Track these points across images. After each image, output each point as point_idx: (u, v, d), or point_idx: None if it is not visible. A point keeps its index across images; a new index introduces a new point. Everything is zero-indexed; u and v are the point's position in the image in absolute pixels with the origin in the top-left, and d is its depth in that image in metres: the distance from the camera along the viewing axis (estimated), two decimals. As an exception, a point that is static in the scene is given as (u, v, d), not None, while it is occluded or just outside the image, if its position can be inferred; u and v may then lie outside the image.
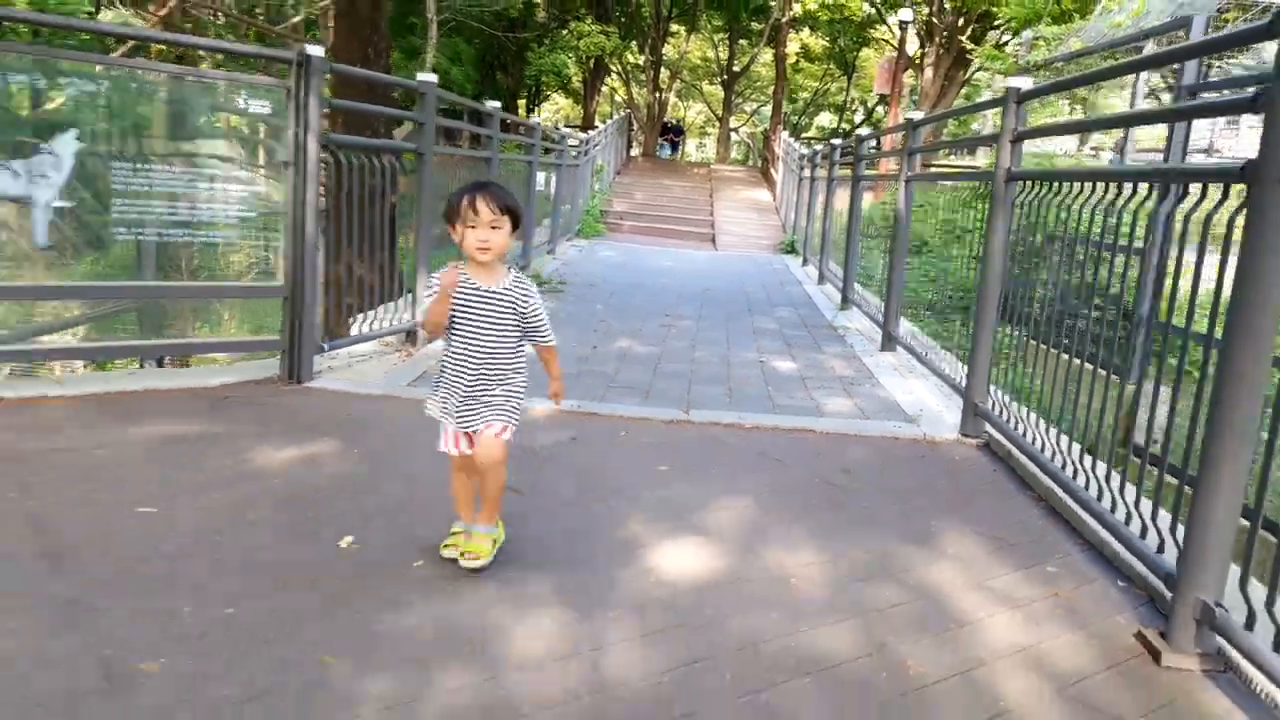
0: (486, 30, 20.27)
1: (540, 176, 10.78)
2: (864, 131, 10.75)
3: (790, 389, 5.27)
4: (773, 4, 27.78)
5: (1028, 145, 4.31)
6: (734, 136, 36.92)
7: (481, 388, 2.48)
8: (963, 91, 21.84)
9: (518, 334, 2.51)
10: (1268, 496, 2.26)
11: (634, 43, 29.14)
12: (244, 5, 14.62)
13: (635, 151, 30.58)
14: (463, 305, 2.45)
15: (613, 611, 2.39)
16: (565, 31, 23.91)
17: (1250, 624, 2.18)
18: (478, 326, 2.46)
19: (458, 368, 2.48)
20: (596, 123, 25.20)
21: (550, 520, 2.98)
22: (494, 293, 2.46)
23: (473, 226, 2.38)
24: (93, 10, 12.88)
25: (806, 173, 13.58)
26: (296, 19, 14.82)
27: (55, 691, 1.89)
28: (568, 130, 16.99)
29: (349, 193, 4.74)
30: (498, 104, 7.91)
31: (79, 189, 3.97)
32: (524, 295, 2.49)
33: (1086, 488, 3.09)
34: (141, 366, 5.86)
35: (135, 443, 3.41)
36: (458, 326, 2.47)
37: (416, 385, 4.68)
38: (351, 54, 7.29)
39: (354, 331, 5.18)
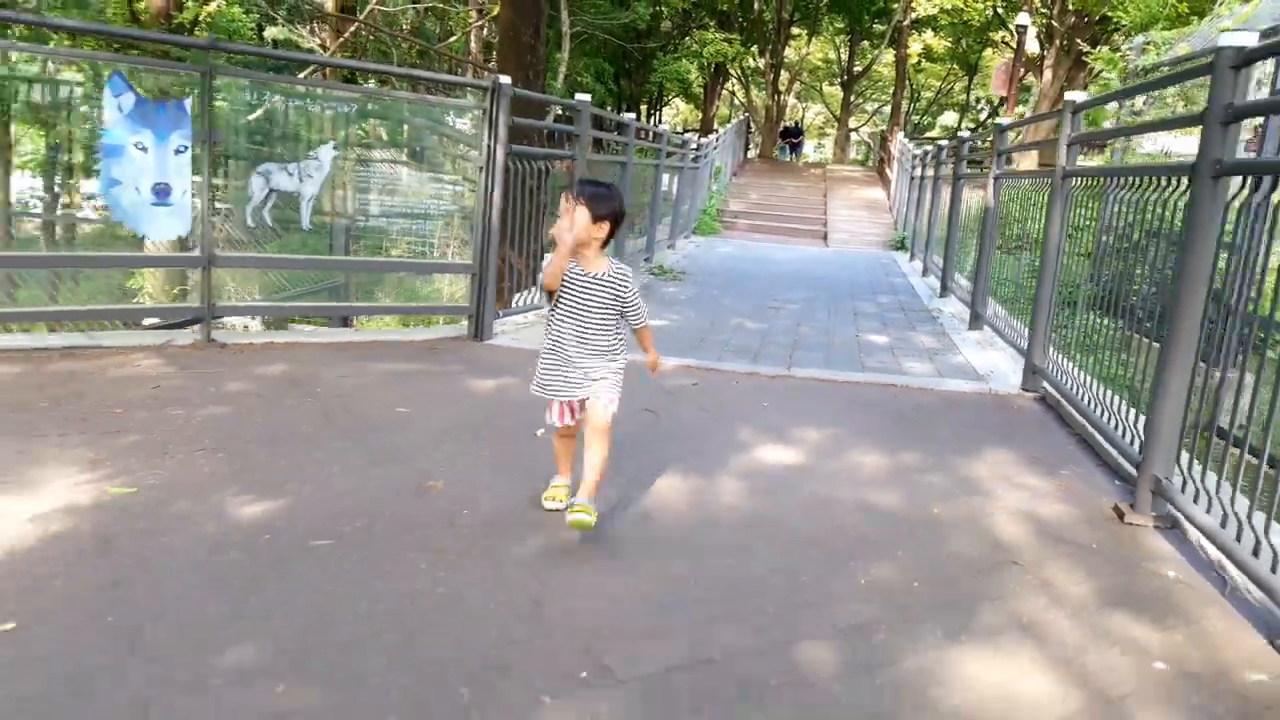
0: (615, 41, 21.58)
1: (664, 178, 11.91)
2: (964, 134, 11.43)
3: (880, 356, 6.18)
4: (895, 6, 28.17)
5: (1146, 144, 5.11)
6: (854, 137, 37.29)
7: (586, 363, 2.81)
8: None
9: (616, 315, 2.84)
10: (1210, 405, 3.09)
11: (754, 47, 30.02)
12: (414, 27, 16.39)
13: (752, 153, 31.46)
14: (569, 288, 2.78)
15: (724, 476, 3.43)
16: (689, 39, 25.06)
17: (1193, 495, 3.03)
18: (582, 307, 2.79)
19: (563, 345, 2.81)
20: (715, 126, 26.23)
21: (679, 428, 4.05)
22: (597, 279, 2.79)
23: (564, 215, 2.77)
24: (255, 28, 14.75)
25: (918, 171, 14.27)
26: (451, 39, 16.48)
27: (384, 496, 3.07)
28: (688, 135, 18.10)
29: (516, 193, 5.95)
30: (632, 115, 9.06)
31: (328, 186, 5.31)
32: (623, 281, 2.82)
33: (1104, 419, 3.94)
34: (326, 325, 7.24)
35: (377, 374, 4.67)
36: (563, 306, 2.80)
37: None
38: (513, 75, 8.56)
39: (515, 304, 6.41)
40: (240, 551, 2.56)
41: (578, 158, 6.62)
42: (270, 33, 16.40)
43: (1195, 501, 2.97)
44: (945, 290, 9.25)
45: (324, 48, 14.94)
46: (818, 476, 3.51)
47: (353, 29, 12.85)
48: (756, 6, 28.71)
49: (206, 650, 2.07)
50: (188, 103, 4.72)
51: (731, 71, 31.48)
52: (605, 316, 2.79)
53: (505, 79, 5.38)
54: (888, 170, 22.95)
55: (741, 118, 30.46)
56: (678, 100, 37.58)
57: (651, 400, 4.25)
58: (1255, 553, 2.52)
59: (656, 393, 4.57)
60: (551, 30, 19.85)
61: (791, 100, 39.36)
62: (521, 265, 6.68)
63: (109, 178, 4.61)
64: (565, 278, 2.76)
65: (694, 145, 15.22)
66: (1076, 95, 4.99)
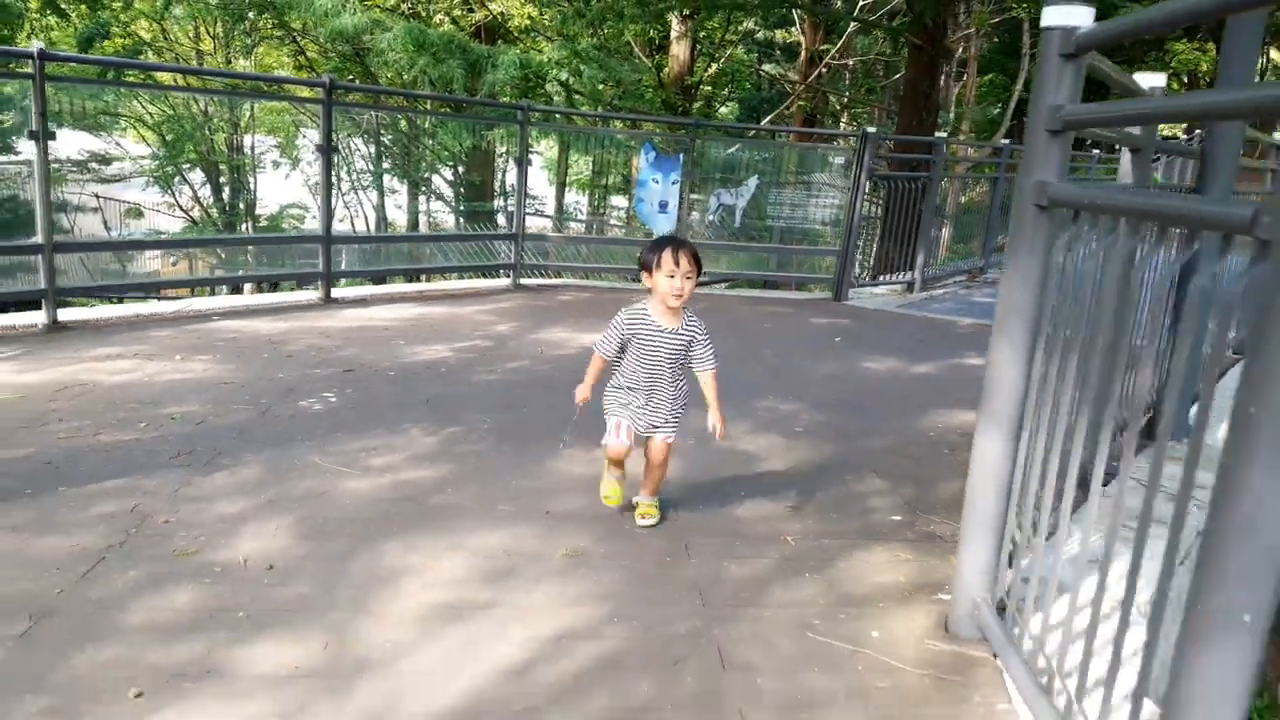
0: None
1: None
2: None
3: None
4: None
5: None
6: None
7: (656, 403, 2.96)
8: None
9: (685, 362, 2.98)
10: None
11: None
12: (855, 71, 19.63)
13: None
14: (646, 342, 2.90)
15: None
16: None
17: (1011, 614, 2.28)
18: (657, 359, 2.91)
19: (638, 386, 2.95)
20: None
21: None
22: (675, 333, 2.90)
23: (671, 276, 2.80)
24: (753, 66, 19.12)
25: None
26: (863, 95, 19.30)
27: (743, 356, 6.22)
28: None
29: (891, 204, 8.74)
30: (1005, 140, 11.14)
31: (755, 204, 8.67)
32: (700, 332, 2.95)
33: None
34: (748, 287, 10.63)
35: (763, 315, 7.86)
36: (640, 356, 2.92)
37: (901, 309, 8.47)
38: (909, 120, 11.26)
39: (868, 280, 9.22)
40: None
41: (933, 177, 9.17)
42: (767, 68, 20.93)
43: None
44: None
45: (793, 85, 18.66)
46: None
47: (814, 74, 16.35)
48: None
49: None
50: (680, 156, 8.40)
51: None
52: (678, 365, 2.96)
53: (871, 129, 8.25)
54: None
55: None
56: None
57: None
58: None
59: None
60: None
61: None
62: (898, 253, 9.43)
63: (639, 198, 8.47)
64: (643, 329, 2.91)
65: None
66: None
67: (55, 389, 4.17)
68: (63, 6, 15.58)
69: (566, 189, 16.11)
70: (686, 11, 13.40)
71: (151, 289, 8.76)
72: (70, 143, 10.89)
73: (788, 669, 2.27)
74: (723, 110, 20.82)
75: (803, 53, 19.54)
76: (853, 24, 14.78)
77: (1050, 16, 2.13)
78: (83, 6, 15.83)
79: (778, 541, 3.02)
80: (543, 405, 4.34)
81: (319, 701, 2.04)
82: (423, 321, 6.30)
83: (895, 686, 2.23)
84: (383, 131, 10.73)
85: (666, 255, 2.79)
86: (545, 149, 19.16)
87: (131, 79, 12.57)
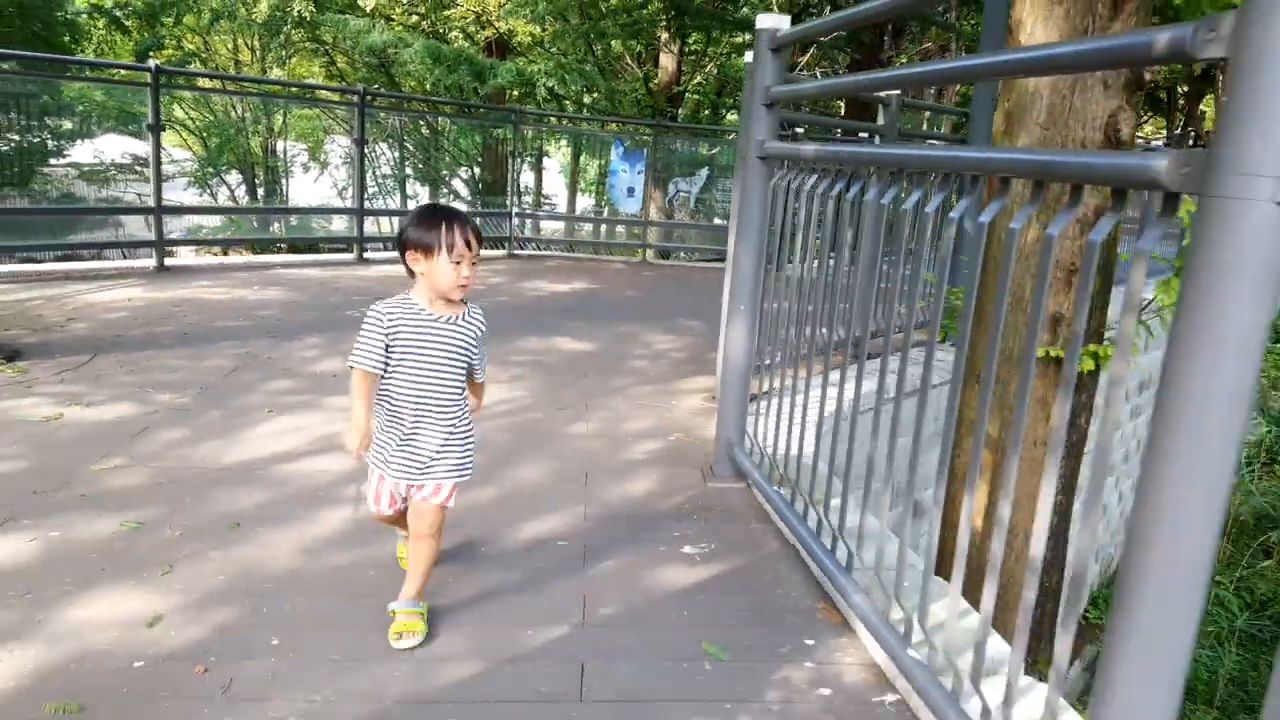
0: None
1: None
2: None
3: None
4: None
5: None
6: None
7: (420, 440, 2.16)
8: None
9: (465, 371, 2.20)
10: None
11: None
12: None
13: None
14: (416, 339, 2.11)
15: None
16: None
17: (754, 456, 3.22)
18: (433, 361, 2.12)
19: (396, 413, 2.14)
20: None
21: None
22: (456, 323, 2.16)
23: (458, 262, 2.08)
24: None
25: None
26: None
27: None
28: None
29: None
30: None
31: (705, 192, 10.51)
32: (482, 326, 2.23)
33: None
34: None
35: (714, 279, 9.69)
36: (405, 363, 2.11)
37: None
38: (852, 116, 13.11)
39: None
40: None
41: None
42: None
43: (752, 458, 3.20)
44: None
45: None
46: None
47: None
48: None
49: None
50: (645, 150, 10.27)
51: None
52: (455, 372, 2.18)
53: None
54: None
55: None
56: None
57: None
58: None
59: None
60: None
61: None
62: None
63: (611, 184, 10.36)
64: (408, 320, 2.12)
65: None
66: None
67: (177, 301, 6.08)
68: (125, 24, 17.66)
69: (580, 193, 18.02)
70: (667, 31, 15.26)
71: (228, 244, 10.90)
72: (117, 145, 12.79)
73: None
74: (731, 116, 22.60)
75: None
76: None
77: (762, 21, 3.09)
78: (140, 21, 17.91)
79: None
80: (515, 321, 6.22)
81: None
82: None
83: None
84: (405, 137, 12.65)
85: (448, 234, 2.07)
86: (559, 154, 21.06)
87: (204, 85, 14.62)
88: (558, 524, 3.00)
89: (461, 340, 2.17)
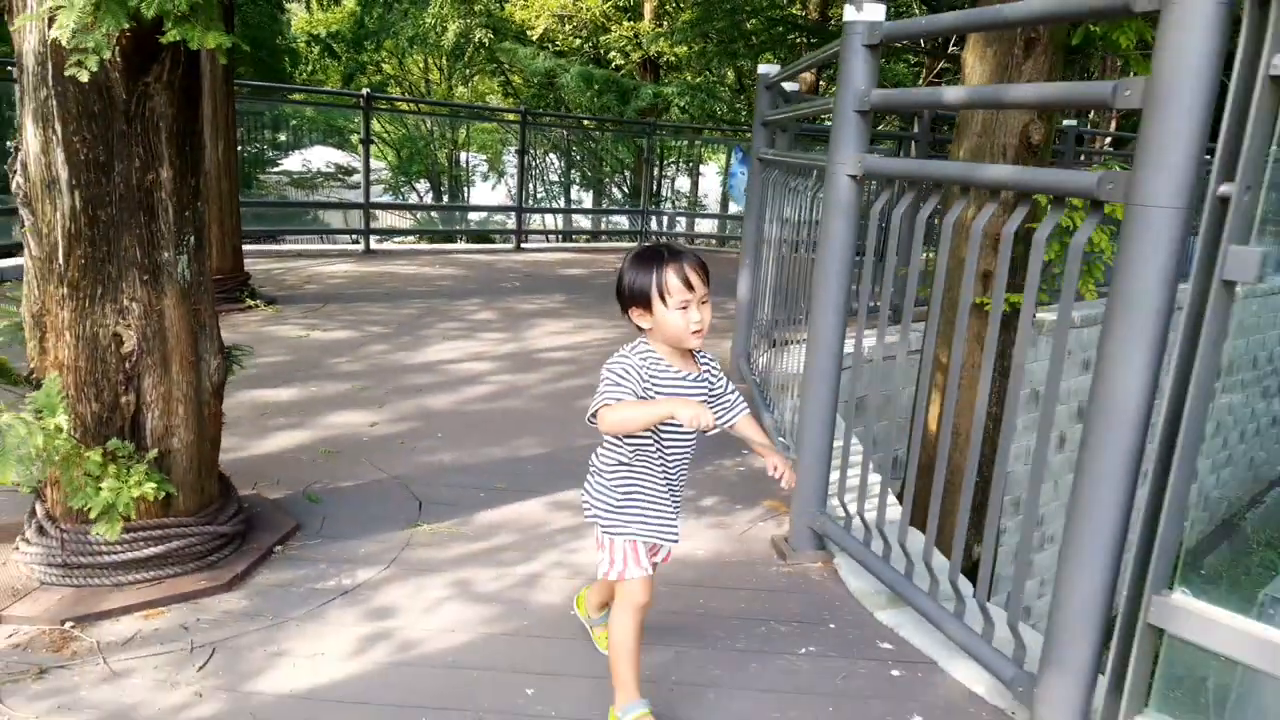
0: None
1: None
2: None
3: None
4: None
5: None
6: None
7: (678, 490, 2.06)
8: None
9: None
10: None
11: None
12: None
13: None
14: (672, 393, 1.91)
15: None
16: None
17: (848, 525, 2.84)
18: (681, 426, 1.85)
19: (656, 470, 1.99)
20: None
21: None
22: (697, 380, 1.99)
23: (684, 307, 1.88)
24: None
25: None
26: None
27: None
28: None
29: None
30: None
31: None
32: (718, 372, 2.07)
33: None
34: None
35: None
36: (665, 424, 1.90)
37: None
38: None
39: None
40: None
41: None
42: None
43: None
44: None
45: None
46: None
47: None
48: None
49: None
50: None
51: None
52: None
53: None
54: None
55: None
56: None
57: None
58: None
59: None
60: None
61: None
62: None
63: (730, 185, 11.78)
64: (665, 382, 1.92)
65: None
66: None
67: (379, 274, 8.04)
68: (336, 50, 20.65)
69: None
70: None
71: (418, 234, 13.21)
72: (321, 155, 15.23)
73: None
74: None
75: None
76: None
77: (851, 13, 2.48)
78: (348, 48, 20.87)
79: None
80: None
81: (505, 344, 5.62)
82: (574, 258, 9.98)
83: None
84: (573, 148, 14.53)
85: (672, 277, 1.86)
86: (715, 159, 22.39)
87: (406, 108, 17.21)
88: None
89: (705, 398, 2.00)
